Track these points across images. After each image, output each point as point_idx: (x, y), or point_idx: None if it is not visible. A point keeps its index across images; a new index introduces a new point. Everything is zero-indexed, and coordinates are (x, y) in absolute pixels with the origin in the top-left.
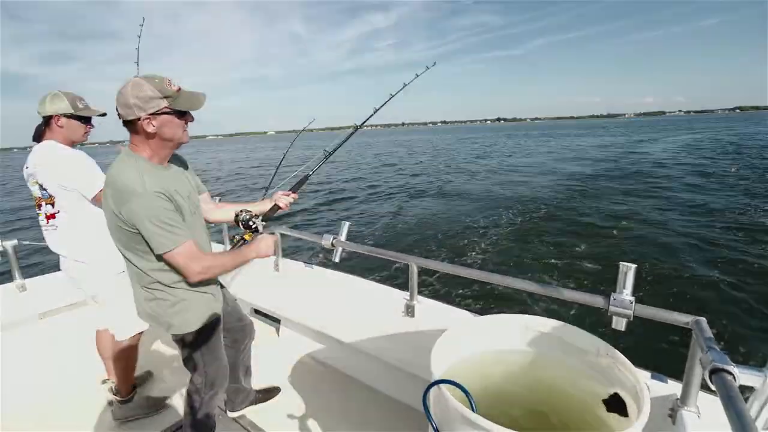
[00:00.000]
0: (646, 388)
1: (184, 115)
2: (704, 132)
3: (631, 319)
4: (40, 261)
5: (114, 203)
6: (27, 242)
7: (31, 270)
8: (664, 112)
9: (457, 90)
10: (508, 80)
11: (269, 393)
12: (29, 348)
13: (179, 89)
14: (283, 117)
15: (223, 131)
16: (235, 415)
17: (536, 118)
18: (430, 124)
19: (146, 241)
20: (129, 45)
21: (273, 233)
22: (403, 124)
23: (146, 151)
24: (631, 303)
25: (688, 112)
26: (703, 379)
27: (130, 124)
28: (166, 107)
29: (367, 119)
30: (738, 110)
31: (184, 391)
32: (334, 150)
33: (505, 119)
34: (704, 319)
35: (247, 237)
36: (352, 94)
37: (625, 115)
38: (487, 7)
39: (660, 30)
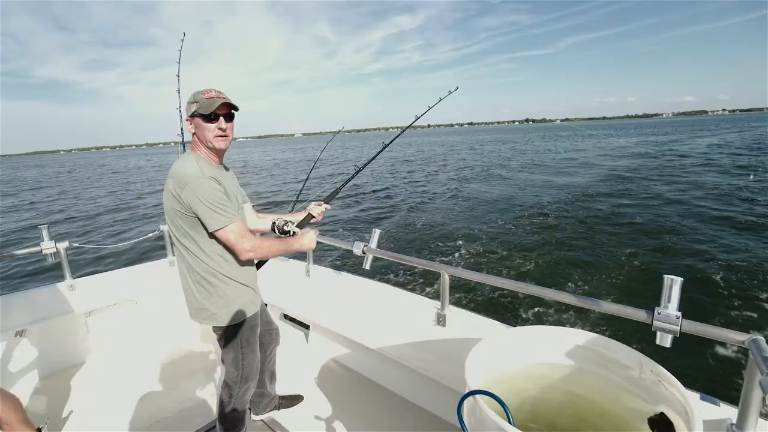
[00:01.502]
0: (698, 409)
1: (210, 119)
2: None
3: (678, 335)
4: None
5: (174, 188)
6: (77, 244)
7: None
8: (706, 111)
9: (484, 91)
10: (536, 80)
11: (293, 400)
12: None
13: (212, 96)
14: (309, 119)
15: (252, 133)
16: (258, 418)
17: (566, 119)
18: (456, 126)
19: (201, 222)
20: (165, 51)
21: (315, 230)
22: (428, 126)
23: (201, 149)
24: (678, 318)
25: (734, 110)
26: (764, 405)
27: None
28: (195, 111)
29: (395, 138)
30: None
31: (210, 394)
32: (364, 166)
33: (533, 120)
34: (762, 338)
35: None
36: (378, 95)
37: (662, 114)
38: (516, 6)
39: (698, 26)
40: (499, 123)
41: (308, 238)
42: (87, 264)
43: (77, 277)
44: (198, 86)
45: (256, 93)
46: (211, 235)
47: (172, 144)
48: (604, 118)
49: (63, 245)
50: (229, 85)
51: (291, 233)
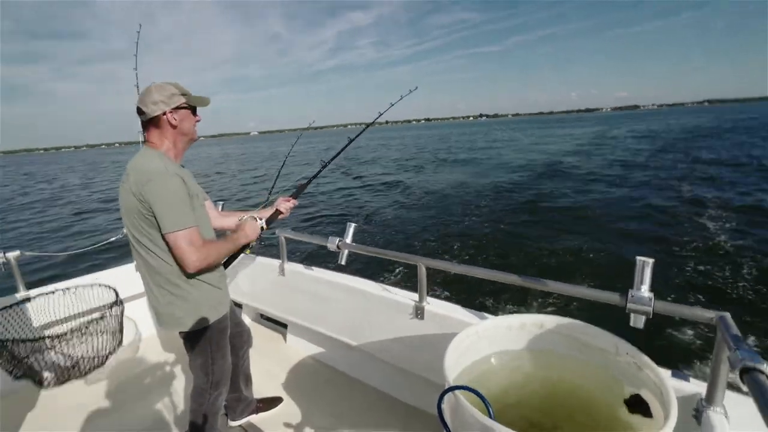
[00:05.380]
0: (672, 388)
1: (195, 113)
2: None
3: (651, 316)
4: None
5: (135, 184)
6: (30, 253)
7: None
8: (638, 106)
9: (439, 87)
10: (488, 77)
11: (271, 402)
12: None
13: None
14: (264, 117)
15: (204, 132)
16: (236, 423)
17: (516, 114)
18: (414, 122)
19: (156, 222)
20: (99, 45)
21: (255, 218)
22: (387, 122)
23: (163, 146)
24: (651, 300)
25: (661, 105)
26: (730, 378)
27: (152, 121)
28: (184, 102)
29: (359, 134)
30: (707, 103)
31: (181, 402)
32: (331, 160)
33: (487, 115)
34: (729, 314)
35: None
36: (333, 92)
37: (601, 109)
38: (467, 5)
39: (634, 27)
40: (454, 118)
41: (250, 227)
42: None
43: (32, 288)
44: (143, 82)
45: (205, 90)
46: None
47: (117, 145)
48: (551, 113)
49: (13, 254)
50: (178, 79)
51: (261, 229)
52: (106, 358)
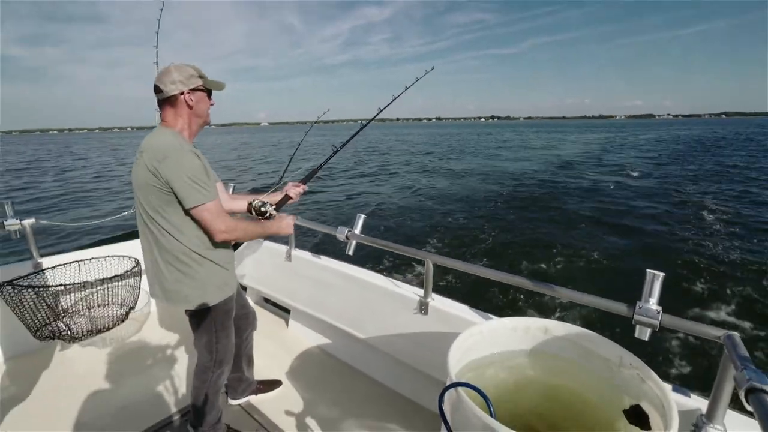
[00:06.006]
0: (674, 402)
1: (210, 97)
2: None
3: (657, 329)
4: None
5: (150, 161)
6: (45, 222)
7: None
8: (653, 116)
9: (451, 87)
10: (501, 79)
11: (271, 385)
12: None
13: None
14: (274, 108)
15: (216, 121)
16: (236, 402)
17: (529, 117)
18: (425, 120)
19: (178, 199)
20: (118, 30)
21: (294, 216)
22: (397, 119)
23: (178, 126)
24: (658, 313)
25: (677, 116)
26: (733, 397)
27: (169, 100)
28: (201, 85)
29: (372, 119)
30: (724, 115)
31: (184, 378)
32: (342, 146)
33: (499, 117)
34: (737, 333)
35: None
36: (345, 87)
37: (616, 116)
38: (483, 4)
39: (648, 35)
40: (466, 119)
41: (286, 223)
42: (52, 243)
43: (44, 257)
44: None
45: (217, 78)
46: (187, 213)
47: (129, 129)
48: (563, 117)
49: (29, 222)
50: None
51: (268, 215)
52: (127, 315)
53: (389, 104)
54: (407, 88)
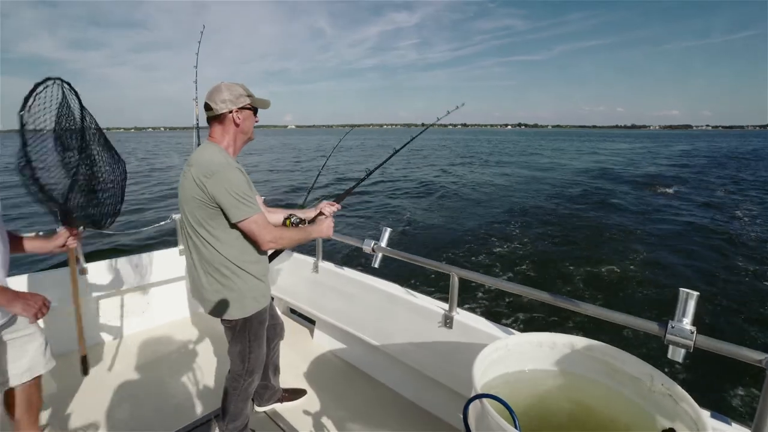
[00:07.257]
0: (711, 428)
1: (255, 114)
2: None
3: (691, 350)
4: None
5: (198, 176)
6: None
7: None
8: (690, 126)
9: (477, 94)
10: (528, 85)
11: (296, 394)
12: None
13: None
14: (300, 112)
15: None
16: (261, 409)
17: (557, 126)
18: (450, 126)
19: (224, 213)
20: (153, 34)
21: (332, 219)
22: (422, 124)
23: (224, 142)
24: (692, 333)
25: (716, 126)
26: None
27: (218, 118)
28: (249, 103)
29: (405, 145)
30: None
31: (214, 384)
32: (375, 169)
33: (526, 125)
34: None
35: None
36: (372, 91)
37: (650, 126)
38: (512, 10)
39: (686, 42)
40: (492, 126)
41: (327, 225)
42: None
43: (88, 262)
44: (188, 69)
45: (247, 80)
46: (233, 226)
47: (163, 129)
48: (594, 126)
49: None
50: (221, 70)
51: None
52: None
53: (421, 133)
54: (439, 120)
